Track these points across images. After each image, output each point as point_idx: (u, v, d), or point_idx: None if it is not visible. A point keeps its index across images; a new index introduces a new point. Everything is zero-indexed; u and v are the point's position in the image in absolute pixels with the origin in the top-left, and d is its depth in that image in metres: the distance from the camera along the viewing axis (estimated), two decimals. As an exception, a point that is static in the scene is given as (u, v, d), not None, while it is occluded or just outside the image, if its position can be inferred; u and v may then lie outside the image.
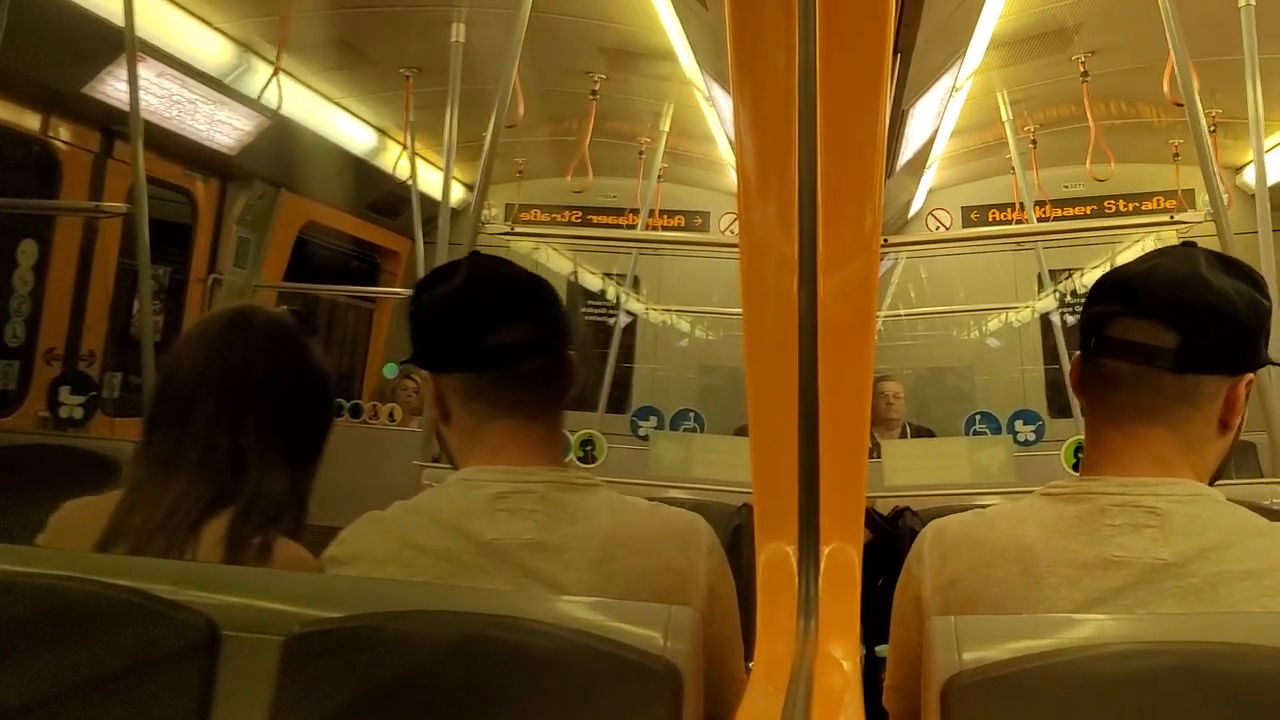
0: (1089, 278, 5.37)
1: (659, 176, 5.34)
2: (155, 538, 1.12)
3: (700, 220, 6.23)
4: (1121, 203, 5.60)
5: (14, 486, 2.58)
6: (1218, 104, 4.22)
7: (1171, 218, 3.00)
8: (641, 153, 5.22)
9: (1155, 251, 1.07)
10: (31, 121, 3.59)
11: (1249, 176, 5.22)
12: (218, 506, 1.15)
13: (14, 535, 1.11)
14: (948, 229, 5.94)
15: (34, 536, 1.19)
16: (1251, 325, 1.01)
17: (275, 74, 3.54)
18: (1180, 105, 2.59)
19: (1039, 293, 5.63)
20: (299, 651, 0.92)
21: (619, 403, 5.76)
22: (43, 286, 3.71)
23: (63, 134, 3.69)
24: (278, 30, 3.53)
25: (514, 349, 1.13)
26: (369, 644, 0.92)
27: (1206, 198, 2.66)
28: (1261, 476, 3.37)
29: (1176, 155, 5.08)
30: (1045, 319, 5.57)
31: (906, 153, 4.10)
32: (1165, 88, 3.08)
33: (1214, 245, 1.56)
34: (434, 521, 1.07)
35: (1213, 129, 4.24)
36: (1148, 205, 5.55)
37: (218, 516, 1.15)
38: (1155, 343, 1.00)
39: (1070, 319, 5.17)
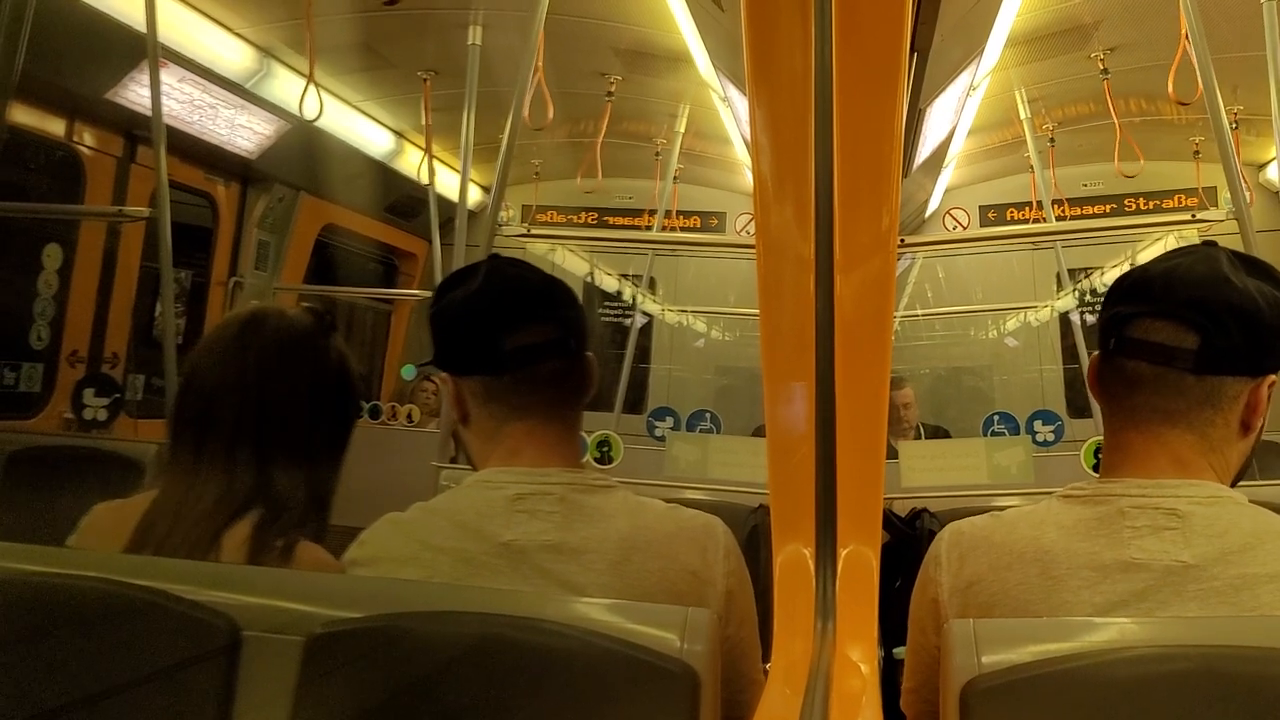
0: (1108, 277, 5.33)
1: (675, 177, 5.34)
2: (183, 542, 1.13)
3: (716, 221, 6.22)
4: (1141, 201, 5.55)
5: (40, 487, 2.62)
6: (1239, 100, 4.18)
7: (1193, 216, 2.97)
8: (658, 154, 5.22)
9: (1176, 250, 1.06)
10: (56, 127, 3.63)
11: (1272, 173, 5.18)
12: (243, 510, 1.16)
13: (41, 535, 1.12)
14: (965, 228, 5.91)
15: (61, 536, 1.20)
16: (1275, 326, 0.99)
17: (309, 83, 3.56)
18: (1185, 104, 2.56)
19: (1058, 292, 5.59)
20: (320, 651, 0.92)
21: (635, 404, 5.76)
22: (67, 290, 3.75)
23: (86, 139, 3.73)
24: (297, 35, 3.56)
25: (532, 351, 1.13)
26: (388, 644, 0.93)
27: (1228, 195, 2.64)
28: (1286, 477, 3.32)
29: (1197, 153, 5.04)
30: (1064, 318, 5.52)
31: (923, 152, 4.09)
32: (1170, 87, 3.05)
33: (1236, 244, 1.54)
34: (452, 523, 1.07)
35: (1234, 126, 4.20)
36: (1168, 203, 5.50)
37: (242, 519, 1.16)
38: (1177, 344, 0.99)
39: (1090, 318, 5.13)
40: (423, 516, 1.11)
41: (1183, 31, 2.73)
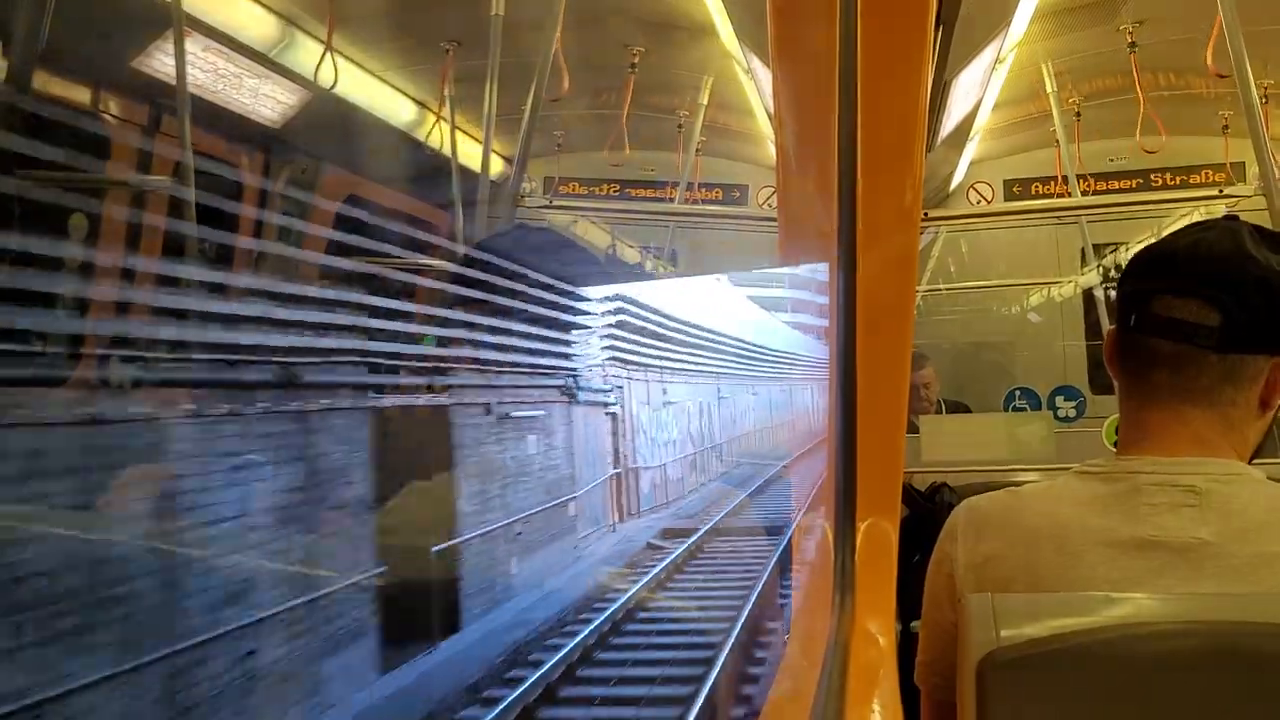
0: (1134, 252, 5.27)
1: (697, 150, 5.31)
2: None
3: (738, 194, 6.18)
4: (1168, 176, 5.47)
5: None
6: (1270, 74, 4.10)
7: (1220, 191, 2.93)
8: (680, 126, 5.19)
9: (1197, 225, 1.05)
10: (81, 96, 3.64)
11: (1303, 149, 5.09)
12: None
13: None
14: (989, 203, 5.85)
15: None
16: None
17: (327, 51, 3.56)
18: (1224, 76, 2.52)
19: (1082, 267, 5.53)
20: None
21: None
22: (92, 259, 3.78)
23: (111, 108, 3.74)
24: (321, 4, 3.55)
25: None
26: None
27: (1257, 170, 2.60)
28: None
29: (1226, 127, 4.95)
30: (1088, 294, 5.47)
31: (948, 125, 4.04)
32: (1209, 59, 3.00)
33: (1263, 220, 1.52)
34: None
35: (1264, 100, 4.12)
36: (1195, 178, 5.41)
37: None
38: (1199, 321, 0.98)
39: (1114, 294, 5.08)
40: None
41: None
